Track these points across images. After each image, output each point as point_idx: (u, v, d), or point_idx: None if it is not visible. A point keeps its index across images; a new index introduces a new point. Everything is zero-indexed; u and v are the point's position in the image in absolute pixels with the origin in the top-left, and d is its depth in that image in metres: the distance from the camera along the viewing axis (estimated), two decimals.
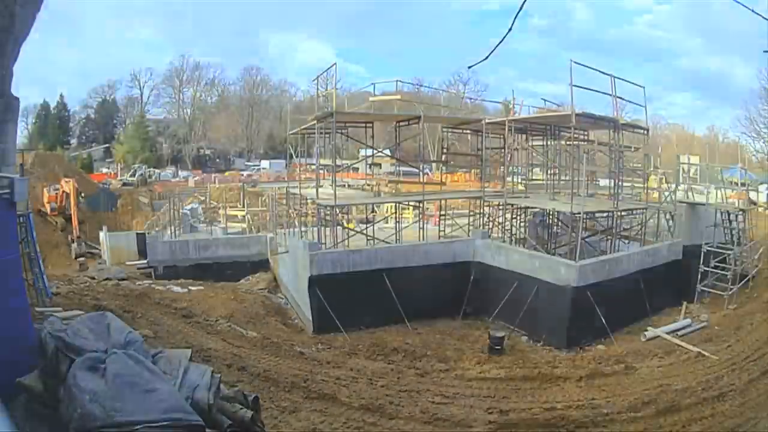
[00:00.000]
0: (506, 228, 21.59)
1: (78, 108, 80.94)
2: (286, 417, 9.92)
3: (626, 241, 21.24)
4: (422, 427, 10.26)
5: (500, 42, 5.01)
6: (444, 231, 22.02)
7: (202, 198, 38.79)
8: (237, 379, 10.89)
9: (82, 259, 29.51)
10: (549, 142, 24.12)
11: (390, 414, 10.60)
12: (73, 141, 79.14)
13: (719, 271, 19.06)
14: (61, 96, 77.93)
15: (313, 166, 25.81)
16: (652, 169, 23.57)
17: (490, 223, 22.30)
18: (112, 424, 3.40)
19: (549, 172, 24.52)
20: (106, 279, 20.87)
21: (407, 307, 17.60)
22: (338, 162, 21.61)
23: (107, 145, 76.01)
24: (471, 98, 76.02)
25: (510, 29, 4.93)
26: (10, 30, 4.15)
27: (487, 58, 5.35)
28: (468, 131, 26.34)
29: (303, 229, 22.15)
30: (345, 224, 22.72)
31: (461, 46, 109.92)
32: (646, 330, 16.48)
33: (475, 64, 5.84)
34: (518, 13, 4.85)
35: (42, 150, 54.32)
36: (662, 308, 18.44)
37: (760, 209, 28.61)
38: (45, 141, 67.06)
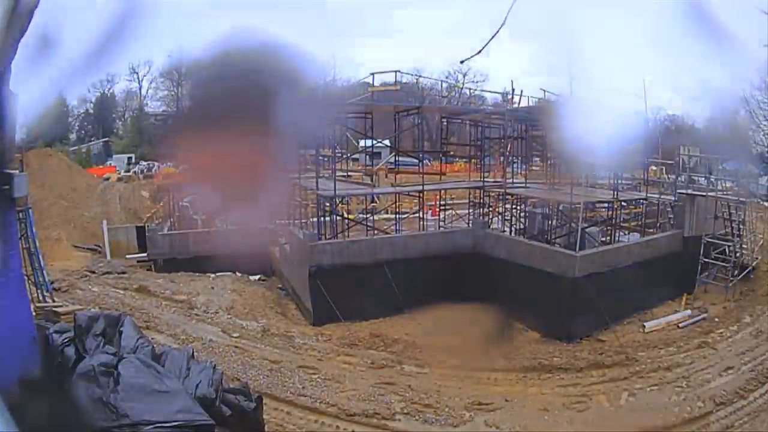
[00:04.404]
0: (506, 218, 21.55)
1: (76, 102, 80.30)
2: (286, 410, 9.97)
3: (626, 232, 21.23)
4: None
5: (493, 36, 4.99)
6: (444, 221, 21.96)
7: None
8: (237, 371, 10.94)
9: None
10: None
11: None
12: (72, 136, 78.49)
13: (719, 263, 19.06)
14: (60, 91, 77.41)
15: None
16: (651, 159, 23.45)
17: (490, 214, 22.26)
18: (125, 424, 3.44)
19: (549, 161, 24.42)
20: (106, 273, 20.82)
21: (407, 298, 17.59)
22: (337, 152, 21.51)
23: (106, 139, 75.46)
24: (470, 88, 75.55)
25: (503, 23, 4.91)
26: (10, 26, 4.12)
27: (479, 52, 5.34)
28: (467, 121, 26.21)
29: (303, 219, 22.10)
30: (345, 215, 22.64)
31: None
32: (647, 321, 16.51)
33: (468, 58, 5.85)
34: (511, 7, 4.83)
35: (41, 146, 53.80)
36: (662, 299, 18.44)
37: (760, 201, 28.58)
38: (43, 136, 66.46)
